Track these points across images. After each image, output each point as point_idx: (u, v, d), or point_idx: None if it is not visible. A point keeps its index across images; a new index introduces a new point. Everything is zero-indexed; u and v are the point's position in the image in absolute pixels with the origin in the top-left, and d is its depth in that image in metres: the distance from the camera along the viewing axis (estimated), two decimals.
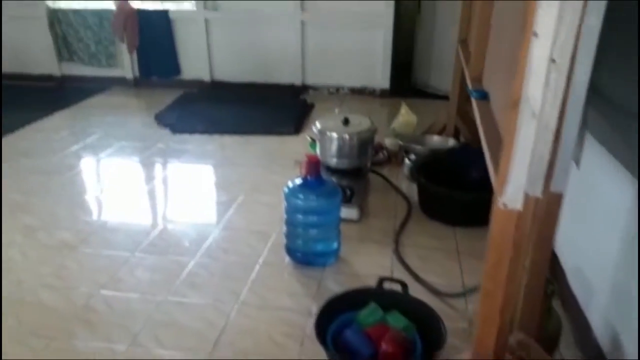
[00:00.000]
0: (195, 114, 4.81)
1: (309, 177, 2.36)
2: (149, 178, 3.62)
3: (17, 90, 5.69)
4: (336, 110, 3.45)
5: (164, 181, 3.54)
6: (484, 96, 2.09)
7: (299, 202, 2.35)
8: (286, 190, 2.41)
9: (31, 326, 2.08)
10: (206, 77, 5.71)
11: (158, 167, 3.82)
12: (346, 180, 2.98)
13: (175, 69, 5.72)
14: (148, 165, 3.82)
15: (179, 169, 3.73)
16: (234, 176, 3.52)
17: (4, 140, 4.16)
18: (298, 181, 2.41)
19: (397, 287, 1.99)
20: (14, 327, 2.08)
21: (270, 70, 5.58)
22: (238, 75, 5.66)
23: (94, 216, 3.03)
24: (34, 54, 5.93)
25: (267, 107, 4.99)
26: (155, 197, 3.32)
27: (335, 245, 2.45)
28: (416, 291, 2.15)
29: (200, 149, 4.07)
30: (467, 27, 3.31)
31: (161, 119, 4.62)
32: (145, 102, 5.40)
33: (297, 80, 5.56)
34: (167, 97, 5.30)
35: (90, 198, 3.28)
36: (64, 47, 5.86)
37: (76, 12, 5.71)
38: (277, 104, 5.07)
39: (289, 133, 4.29)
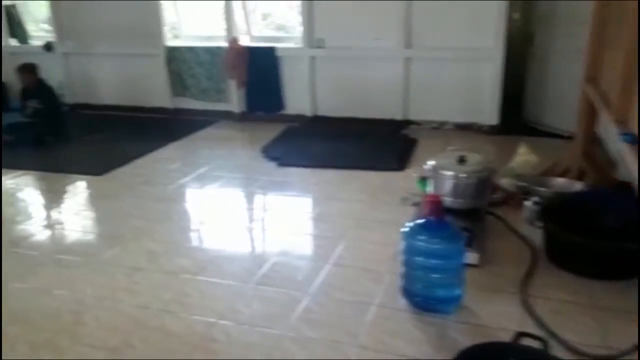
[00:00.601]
0: (299, 148, 4.91)
1: (430, 218, 2.28)
2: (258, 210, 3.70)
3: (136, 121, 6.16)
4: (449, 148, 3.34)
5: (272, 213, 3.60)
6: (634, 140, 1.92)
7: (420, 244, 2.27)
8: (405, 230, 2.34)
9: (156, 350, 2.14)
10: (308, 112, 5.84)
11: (266, 200, 3.90)
12: (463, 222, 2.85)
13: (280, 104, 5.92)
14: (256, 198, 3.92)
15: (286, 202, 3.79)
16: (338, 211, 3.50)
17: (128, 167, 4.48)
18: (419, 221, 2.34)
19: (535, 344, 1.82)
20: (139, 349, 2.15)
21: (371, 105, 5.59)
22: (339, 110, 5.74)
23: (210, 245, 3.13)
24: (151, 89, 6.40)
25: (368, 141, 4.99)
26: (264, 229, 3.38)
27: (458, 291, 2.33)
28: (554, 350, 1.96)
29: (305, 182, 4.12)
30: (594, 64, 3.11)
31: (268, 153, 4.76)
32: (251, 136, 5.61)
33: (398, 115, 5.52)
34: (270, 131, 5.47)
35: (205, 227, 3.40)
36: (178, 82, 6.27)
37: (191, 49, 6.12)
38: (378, 139, 5.05)
39: (392, 169, 4.23)
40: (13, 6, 6.79)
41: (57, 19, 6.50)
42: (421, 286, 2.31)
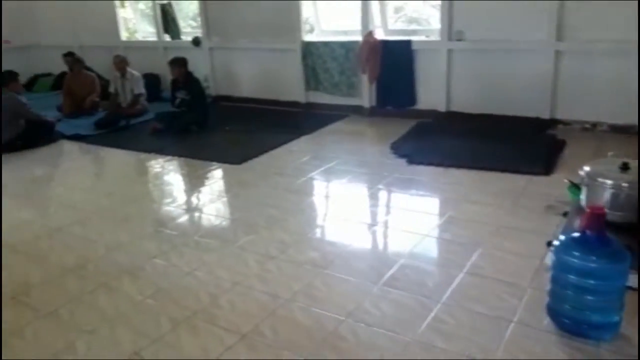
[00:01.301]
0: (430, 145, 4.73)
1: (589, 232, 2.01)
2: (386, 207, 3.62)
3: (272, 114, 6.41)
4: (609, 154, 2.95)
5: (400, 212, 3.49)
6: None
7: (574, 261, 2.01)
8: (557, 243, 2.10)
9: (285, 341, 2.17)
10: (441, 107, 5.61)
11: (394, 197, 3.81)
12: (623, 238, 2.50)
13: (412, 99, 5.76)
14: (385, 195, 3.84)
15: (415, 202, 3.65)
16: (473, 215, 3.28)
17: (264, 157, 4.66)
18: (574, 235, 2.08)
19: None
20: (269, 338, 2.19)
21: (514, 101, 5.19)
22: (476, 106, 5.42)
23: (337, 239, 3.11)
24: (286, 83, 6.61)
25: (509, 141, 4.62)
26: (393, 227, 3.28)
27: (616, 318, 2.04)
28: None
29: (435, 182, 3.95)
30: None
31: (397, 149, 4.65)
32: (380, 131, 5.53)
33: (544, 113, 5.06)
34: (400, 127, 5.34)
35: (333, 221, 3.41)
36: (311, 77, 6.39)
37: (326, 44, 6.19)
38: (520, 139, 4.67)
39: (537, 173, 3.87)
40: (169, 4, 7.43)
41: (205, 16, 6.98)
42: (571, 307, 2.06)
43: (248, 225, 3.30)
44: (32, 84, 8.45)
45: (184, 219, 3.51)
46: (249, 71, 6.92)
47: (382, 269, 2.69)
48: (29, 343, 2.26)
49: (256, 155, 4.68)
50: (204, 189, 4.20)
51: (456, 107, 5.57)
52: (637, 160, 2.71)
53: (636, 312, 2.15)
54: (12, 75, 5.43)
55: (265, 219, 3.36)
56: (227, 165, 4.54)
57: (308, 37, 6.45)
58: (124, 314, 2.43)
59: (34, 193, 4.32)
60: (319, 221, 3.43)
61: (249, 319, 2.33)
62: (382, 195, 3.84)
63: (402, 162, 4.35)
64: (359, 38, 5.89)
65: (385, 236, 3.22)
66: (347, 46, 6.02)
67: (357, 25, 5.97)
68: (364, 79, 5.96)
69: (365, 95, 6.04)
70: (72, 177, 4.63)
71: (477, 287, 2.48)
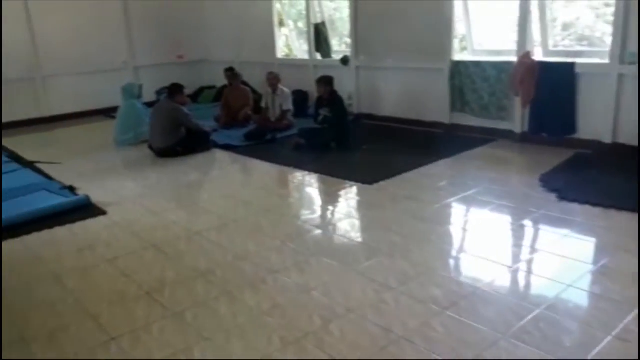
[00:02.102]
0: (588, 180, 4.18)
1: None
2: (529, 248, 3.25)
3: (412, 134, 6.26)
4: None
5: (545, 255, 3.09)
6: None
7: None
8: None
9: None
10: (606, 138, 4.94)
11: (539, 237, 3.41)
12: None
13: (571, 127, 5.17)
14: (528, 233, 3.46)
15: (562, 244, 3.22)
16: (631, 268, 2.78)
17: (397, 179, 4.54)
18: None
19: None
20: None
21: None
22: None
23: (466, 278, 2.86)
24: (430, 103, 6.41)
25: None
26: (534, 272, 2.93)
27: None
28: None
29: (590, 224, 3.45)
30: None
31: (548, 182, 4.18)
32: (531, 160, 5.05)
33: None
34: (554, 157, 4.82)
35: (464, 257, 3.15)
36: (458, 97, 6.11)
37: (477, 64, 5.87)
38: None
39: None
40: (322, 24, 7.71)
41: (356, 36, 7.09)
42: None
43: (370, 250, 3.20)
44: (197, 95, 9.37)
45: (309, 235, 3.54)
46: (393, 90, 6.85)
47: (513, 318, 2.40)
48: (154, 339, 2.42)
49: (390, 177, 4.57)
50: (332, 207, 4.22)
51: (624, 139, 4.86)
52: None
53: None
54: (179, 88, 6.05)
55: (389, 246, 3.24)
56: (359, 185, 4.50)
57: (458, 57, 6.18)
58: (240, 326, 2.49)
59: (184, 197, 4.73)
60: (447, 255, 3.19)
61: (358, 351, 2.23)
62: (525, 233, 3.47)
63: (552, 197, 3.90)
64: (513, 59, 5.48)
65: (522, 281, 2.88)
66: (500, 67, 5.64)
67: (512, 44, 5.57)
68: (517, 102, 5.52)
69: (517, 119, 5.59)
70: (218, 184, 4.99)
71: (626, 356, 2.08)
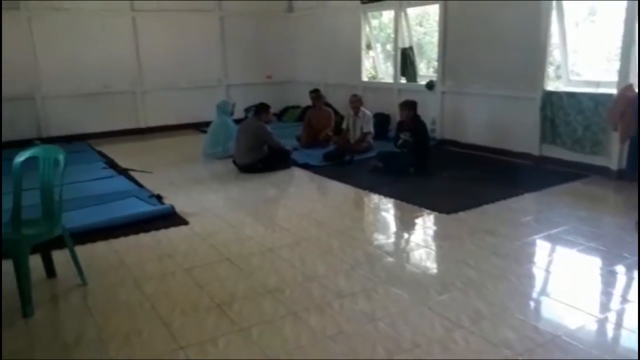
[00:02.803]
0: None
1: None
2: (619, 298, 2.97)
3: (496, 164, 6.01)
4: None
5: (634, 307, 2.81)
6: None
7: None
8: None
9: None
10: None
11: (631, 287, 3.11)
12: None
13: None
14: (620, 281, 3.17)
15: None
16: None
17: (476, 211, 4.37)
18: None
19: None
20: None
21: None
22: None
23: (546, 324, 2.66)
24: (518, 133, 6.13)
25: None
26: (623, 325, 2.66)
27: None
28: None
29: None
30: None
31: None
32: (626, 200, 4.65)
33: None
34: None
35: (545, 300, 2.94)
36: (549, 129, 5.80)
37: (572, 95, 5.55)
38: None
39: None
40: (410, 48, 7.67)
41: (443, 61, 6.98)
42: None
43: (442, 284, 3.08)
44: (282, 114, 9.65)
45: (380, 262, 3.47)
46: (479, 117, 6.64)
47: None
48: (219, 353, 2.47)
49: (470, 207, 4.40)
50: (407, 235, 4.12)
51: None
52: None
53: None
54: (265, 107, 6.25)
55: (463, 281, 3.10)
56: (436, 214, 4.37)
57: (551, 86, 5.88)
58: (303, 348, 2.48)
59: (261, 212, 4.84)
60: (526, 296, 3.00)
61: None
62: (617, 280, 3.18)
63: None
64: (613, 91, 5.12)
65: (609, 332, 2.63)
66: (597, 99, 5.30)
67: (613, 76, 5.21)
68: (614, 136, 5.14)
69: (614, 155, 5.20)
70: (294, 202, 5.06)
71: None
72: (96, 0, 8.19)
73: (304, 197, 5.21)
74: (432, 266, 3.47)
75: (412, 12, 7.81)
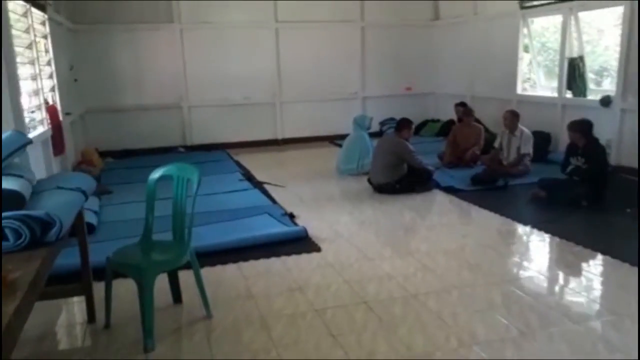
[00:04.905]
0: None
1: None
2: None
3: None
4: None
5: None
6: None
7: None
8: None
9: None
10: None
11: None
12: None
13: None
14: None
15: None
16: None
17: None
18: None
19: None
20: None
21: None
22: None
23: None
24: None
25: None
26: None
27: None
28: None
29: None
30: None
31: None
32: None
33: None
34: None
35: None
36: None
37: None
38: None
39: None
40: (580, 58, 6.57)
41: (625, 72, 5.83)
42: None
43: None
44: (420, 127, 8.98)
45: (560, 329, 2.70)
46: None
47: None
48: None
49: None
50: (586, 292, 3.22)
51: None
52: None
53: None
54: (407, 122, 5.69)
55: None
56: (619, 263, 3.45)
57: None
58: None
59: (400, 243, 4.28)
60: None
61: None
62: None
63: None
64: None
65: None
66: None
67: None
68: None
69: None
70: (438, 234, 4.39)
71: None
72: (242, 14, 8.31)
73: (451, 229, 4.50)
74: (623, 340, 2.61)
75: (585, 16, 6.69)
